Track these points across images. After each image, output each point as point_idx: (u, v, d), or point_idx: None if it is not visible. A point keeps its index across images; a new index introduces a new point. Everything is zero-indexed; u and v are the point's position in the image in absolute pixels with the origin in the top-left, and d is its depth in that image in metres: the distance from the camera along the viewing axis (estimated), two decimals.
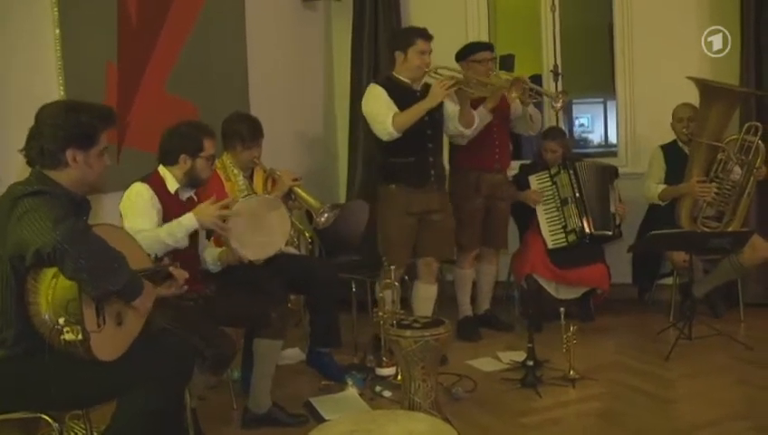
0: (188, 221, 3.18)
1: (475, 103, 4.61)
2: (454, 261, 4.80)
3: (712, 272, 4.87)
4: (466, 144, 4.71)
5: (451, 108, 4.40)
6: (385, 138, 4.16)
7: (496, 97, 4.55)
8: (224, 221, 3.28)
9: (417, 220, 4.33)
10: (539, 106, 5.08)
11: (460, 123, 4.40)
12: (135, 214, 3.19)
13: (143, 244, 2.96)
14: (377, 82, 4.35)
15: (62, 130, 2.45)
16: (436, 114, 4.31)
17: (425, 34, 4.29)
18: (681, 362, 4.17)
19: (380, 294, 4.13)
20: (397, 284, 4.10)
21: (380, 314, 4.06)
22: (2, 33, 3.36)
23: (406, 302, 4.34)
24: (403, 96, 4.20)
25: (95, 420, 2.90)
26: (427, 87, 4.30)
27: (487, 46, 4.86)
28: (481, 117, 4.59)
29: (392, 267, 4.09)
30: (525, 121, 4.90)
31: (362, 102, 4.31)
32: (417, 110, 4.15)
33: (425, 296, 4.47)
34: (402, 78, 4.30)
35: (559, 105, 4.74)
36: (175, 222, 3.18)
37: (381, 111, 4.15)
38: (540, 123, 5.03)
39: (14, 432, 2.71)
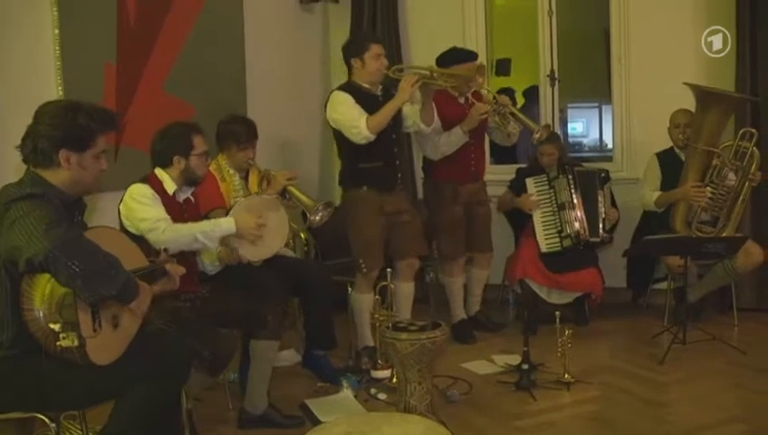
0: (228, 225, 3.27)
1: (454, 115, 4.63)
2: (427, 256, 4.76)
3: (706, 277, 4.89)
4: (441, 158, 4.72)
5: (407, 107, 4.39)
6: (361, 141, 4.15)
7: (474, 120, 4.56)
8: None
9: (388, 222, 4.35)
10: (531, 106, 5.05)
11: (421, 120, 4.41)
12: (145, 206, 3.20)
13: (167, 235, 3.05)
14: (340, 89, 4.32)
15: (57, 129, 2.43)
16: (396, 117, 4.32)
17: (376, 39, 4.36)
18: (675, 367, 4.19)
19: (377, 297, 4.15)
20: (392, 286, 4.12)
21: (376, 316, 4.07)
22: (1, 33, 3.36)
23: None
24: (367, 101, 4.21)
25: (91, 419, 2.90)
26: (386, 92, 4.33)
27: (472, 57, 4.78)
28: (457, 137, 4.62)
29: (370, 271, 4.18)
30: (503, 135, 4.92)
31: (328, 110, 4.27)
32: (388, 109, 4.16)
33: (407, 293, 4.48)
34: (362, 84, 4.29)
35: (537, 136, 4.64)
36: (213, 221, 3.28)
37: (353, 116, 4.15)
38: (517, 138, 5.01)
39: (9, 432, 2.70)
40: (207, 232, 3.22)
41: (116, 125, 2.62)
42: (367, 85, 4.28)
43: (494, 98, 4.71)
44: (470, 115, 4.58)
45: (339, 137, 4.31)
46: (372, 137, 4.12)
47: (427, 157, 4.83)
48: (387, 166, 4.33)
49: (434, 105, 4.44)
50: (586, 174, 5.07)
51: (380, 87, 4.34)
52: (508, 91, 6.49)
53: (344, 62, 4.38)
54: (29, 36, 3.51)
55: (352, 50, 4.32)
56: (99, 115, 2.53)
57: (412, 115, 4.41)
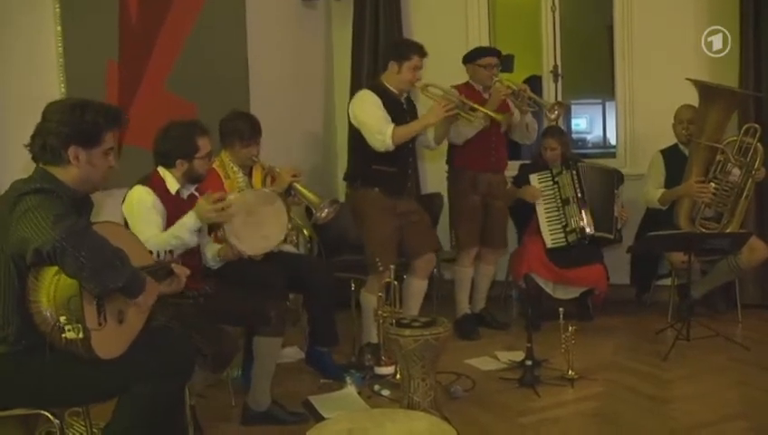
0: (189, 219, 3.19)
1: (477, 102, 4.64)
2: (438, 250, 4.77)
3: (710, 273, 4.88)
4: (463, 145, 4.79)
5: None
6: (381, 149, 4.20)
7: (495, 101, 4.59)
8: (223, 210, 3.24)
9: (400, 222, 4.39)
10: (537, 116, 5.11)
11: (433, 137, 4.52)
12: (139, 221, 3.19)
13: (153, 249, 2.97)
14: (369, 89, 4.39)
15: (65, 126, 2.44)
16: None
17: (422, 51, 4.38)
18: (679, 363, 4.18)
19: (380, 294, 4.15)
20: (396, 283, 4.12)
21: (380, 312, 4.07)
22: (3, 30, 3.36)
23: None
24: (392, 105, 4.28)
25: (95, 416, 2.91)
26: (409, 100, 4.46)
27: (493, 52, 4.94)
28: (476, 122, 4.65)
29: (386, 269, 4.18)
30: (522, 130, 4.96)
31: (354, 108, 4.32)
32: (416, 126, 4.27)
33: (419, 291, 4.51)
34: (390, 87, 4.35)
35: (554, 116, 4.76)
36: (178, 224, 3.20)
37: (381, 123, 4.19)
38: (535, 134, 5.08)
39: (14, 428, 2.70)
40: (176, 234, 3.16)
41: (122, 122, 2.61)
42: (393, 89, 4.35)
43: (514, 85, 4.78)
44: (491, 97, 4.64)
45: (356, 135, 4.34)
46: (392, 147, 4.19)
47: (450, 142, 4.88)
48: (400, 172, 4.40)
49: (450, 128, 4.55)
50: (604, 172, 5.11)
51: (405, 95, 4.44)
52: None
53: (383, 58, 4.47)
54: (31, 33, 3.50)
55: (395, 53, 4.39)
56: (106, 112, 2.54)
57: (427, 133, 4.49)
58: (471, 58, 4.87)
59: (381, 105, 4.24)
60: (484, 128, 4.69)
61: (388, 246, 4.33)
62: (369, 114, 4.24)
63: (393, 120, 4.21)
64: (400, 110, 4.32)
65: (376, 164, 4.31)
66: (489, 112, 4.45)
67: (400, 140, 4.19)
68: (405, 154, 4.41)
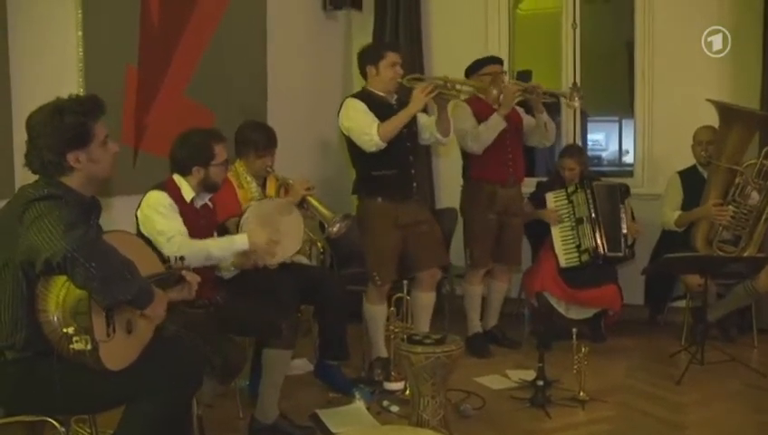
0: (242, 241, 3.28)
1: (488, 112, 4.62)
2: (445, 266, 4.72)
3: (726, 296, 4.82)
4: (480, 155, 4.72)
5: (424, 118, 4.39)
6: (372, 149, 4.12)
7: (508, 102, 4.54)
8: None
9: (404, 234, 4.30)
10: (552, 117, 5.03)
11: (438, 131, 4.36)
12: (163, 217, 3.19)
13: (181, 251, 2.98)
14: (353, 97, 4.31)
15: (53, 137, 2.40)
16: (412, 126, 4.29)
17: (394, 47, 4.34)
18: (693, 387, 4.12)
19: (392, 309, 4.13)
20: (408, 298, 4.10)
21: (391, 327, 4.05)
22: (25, 35, 3.37)
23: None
24: (380, 109, 4.19)
25: (101, 424, 2.88)
26: (401, 100, 4.31)
27: (495, 60, 4.88)
28: (495, 122, 4.60)
29: (384, 284, 4.18)
30: (540, 131, 4.85)
31: (342, 118, 4.26)
32: (401, 118, 4.13)
33: (427, 304, 4.44)
34: (377, 91, 4.27)
35: (576, 104, 4.72)
36: (227, 238, 3.29)
37: (365, 123, 4.12)
38: (554, 133, 4.98)
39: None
40: (223, 248, 3.24)
41: (104, 109, 2.54)
42: (381, 93, 4.27)
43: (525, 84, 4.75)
44: (503, 99, 4.55)
45: (351, 144, 4.28)
46: (383, 145, 4.10)
47: (469, 152, 4.79)
48: (401, 174, 4.29)
49: (449, 117, 4.40)
50: (608, 188, 5.03)
51: (395, 96, 4.33)
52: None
53: (359, 68, 4.36)
54: (52, 38, 3.51)
55: (368, 57, 4.31)
56: (84, 107, 2.49)
57: (429, 127, 4.37)
58: (474, 69, 4.79)
59: (366, 109, 4.15)
60: (504, 130, 4.62)
61: (388, 259, 4.27)
62: (354, 119, 4.17)
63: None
64: (391, 112, 4.18)
65: (375, 170, 4.23)
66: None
67: (389, 135, 4.08)
68: (403, 153, 4.28)
